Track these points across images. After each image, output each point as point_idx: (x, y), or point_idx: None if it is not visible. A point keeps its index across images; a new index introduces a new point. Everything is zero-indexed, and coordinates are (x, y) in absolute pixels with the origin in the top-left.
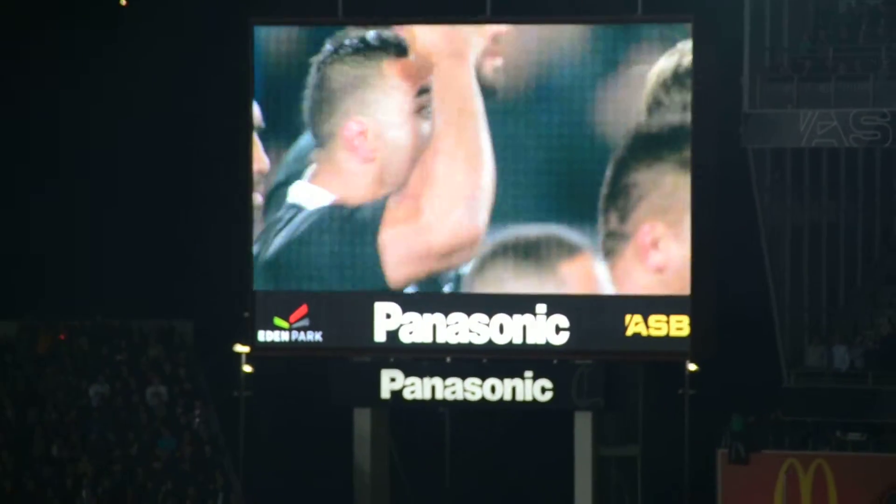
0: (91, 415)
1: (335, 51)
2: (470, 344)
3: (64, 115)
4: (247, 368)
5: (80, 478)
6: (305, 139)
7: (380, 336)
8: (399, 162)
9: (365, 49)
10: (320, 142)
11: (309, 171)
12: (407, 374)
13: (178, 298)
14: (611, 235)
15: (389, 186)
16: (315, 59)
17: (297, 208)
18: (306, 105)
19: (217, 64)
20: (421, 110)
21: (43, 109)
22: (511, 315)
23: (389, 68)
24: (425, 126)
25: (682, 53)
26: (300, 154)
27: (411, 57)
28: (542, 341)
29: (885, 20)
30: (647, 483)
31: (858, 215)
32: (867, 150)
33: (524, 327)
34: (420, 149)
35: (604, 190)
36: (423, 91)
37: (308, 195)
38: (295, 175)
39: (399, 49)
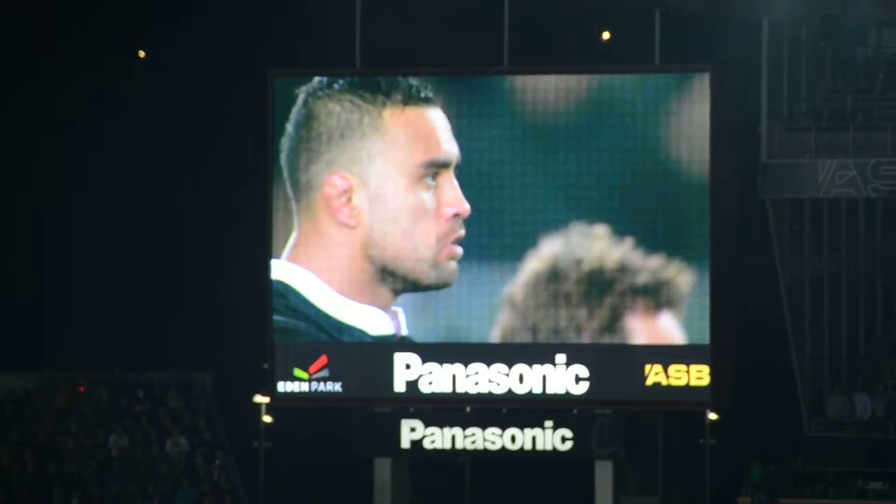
0: (111, 467)
1: (328, 83)
2: (490, 394)
3: (82, 168)
4: (267, 419)
5: None
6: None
7: (399, 386)
8: (387, 234)
9: (364, 89)
10: (297, 194)
11: (288, 245)
12: (427, 424)
13: (198, 350)
14: None
15: (377, 262)
16: (303, 90)
17: (286, 287)
18: (285, 145)
19: (236, 111)
20: (422, 179)
21: (65, 166)
22: (531, 365)
23: (392, 119)
24: (427, 197)
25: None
26: None
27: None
28: (561, 391)
29: None
30: None
31: (877, 266)
32: (886, 200)
33: (544, 377)
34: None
35: None
36: (435, 164)
37: (291, 275)
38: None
39: (409, 96)
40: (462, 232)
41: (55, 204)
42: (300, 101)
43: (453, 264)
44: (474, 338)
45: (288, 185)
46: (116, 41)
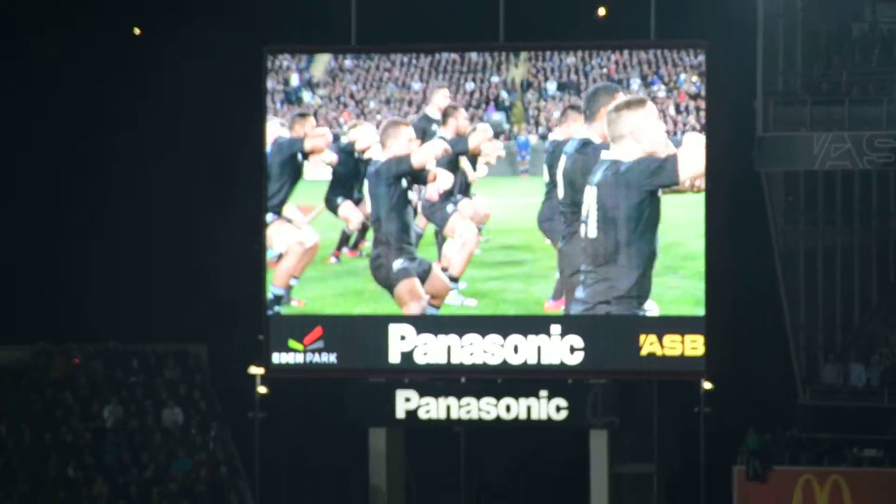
0: (106, 437)
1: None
2: (485, 364)
3: (76, 145)
4: (262, 390)
5: (95, 499)
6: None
7: (394, 357)
8: None
9: None
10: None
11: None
12: (422, 395)
13: (193, 322)
14: None
15: None
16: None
17: None
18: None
19: (232, 89)
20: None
21: (57, 134)
22: (525, 336)
23: None
24: None
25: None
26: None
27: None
28: (556, 361)
29: None
30: (663, 501)
31: (873, 237)
32: (881, 173)
33: (539, 348)
34: None
35: None
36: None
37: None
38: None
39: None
40: None
41: (50, 178)
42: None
43: None
44: None
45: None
46: (113, 19)
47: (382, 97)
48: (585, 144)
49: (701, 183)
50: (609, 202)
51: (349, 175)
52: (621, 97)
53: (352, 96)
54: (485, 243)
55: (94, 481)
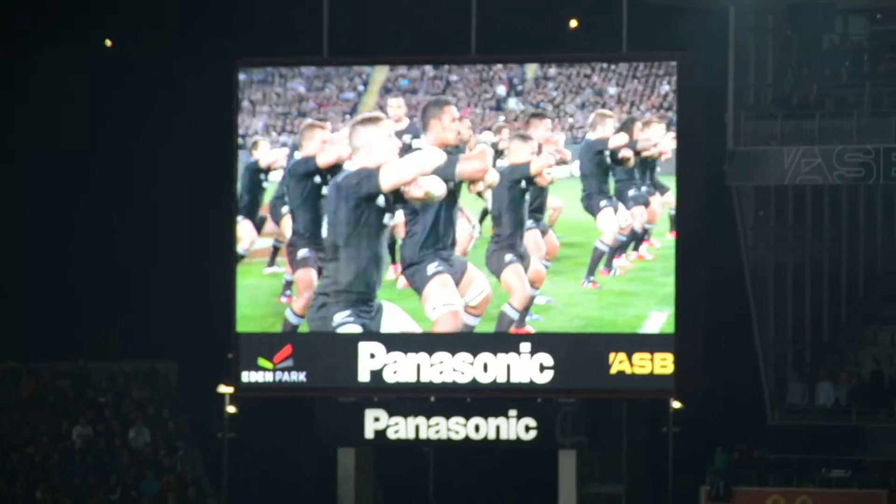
0: (74, 458)
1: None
2: (454, 383)
3: (49, 161)
4: (230, 409)
5: None
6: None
7: (364, 376)
8: None
9: None
10: None
11: None
12: (391, 414)
13: (162, 341)
14: None
15: None
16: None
17: None
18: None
19: (203, 105)
20: None
21: (32, 158)
22: (495, 354)
23: None
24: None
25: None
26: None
27: None
28: (526, 380)
29: (869, 57)
30: None
31: (842, 253)
32: (851, 188)
33: (508, 366)
34: None
35: None
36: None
37: None
38: None
39: None
40: None
41: (20, 196)
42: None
43: None
44: None
45: None
46: (83, 30)
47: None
48: None
49: (477, 187)
50: (331, 206)
51: None
52: (452, 111)
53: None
54: None
55: (62, 503)
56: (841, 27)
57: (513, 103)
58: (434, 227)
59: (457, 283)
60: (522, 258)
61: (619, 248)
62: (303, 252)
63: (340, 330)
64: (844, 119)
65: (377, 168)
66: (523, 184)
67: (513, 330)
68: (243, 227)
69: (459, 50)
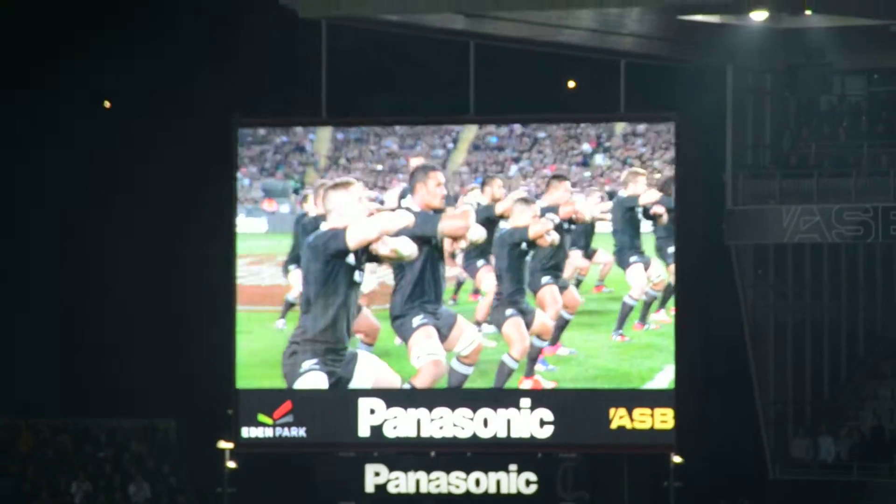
0: None
1: None
2: (454, 438)
3: (48, 220)
4: (230, 465)
5: None
6: None
7: (364, 431)
8: None
9: None
10: None
11: None
12: (391, 469)
13: (162, 396)
14: None
15: None
16: None
17: None
18: None
19: (203, 163)
20: None
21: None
22: (495, 409)
23: None
24: None
25: None
26: None
27: None
28: (526, 435)
29: (867, 116)
30: None
31: (842, 311)
32: (850, 246)
33: (508, 421)
34: None
35: None
36: None
37: None
38: None
39: None
40: None
41: (16, 247)
42: None
43: None
44: None
45: None
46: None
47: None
48: None
49: (458, 245)
50: (304, 263)
51: None
52: (438, 177)
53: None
54: None
55: None
56: (839, 87)
57: (599, 159)
58: (420, 282)
59: (446, 335)
60: (524, 313)
61: (652, 303)
62: None
63: (305, 376)
64: (843, 178)
65: (344, 228)
66: (524, 245)
67: (522, 378)
68: (293, 275)
69: (461, 111)
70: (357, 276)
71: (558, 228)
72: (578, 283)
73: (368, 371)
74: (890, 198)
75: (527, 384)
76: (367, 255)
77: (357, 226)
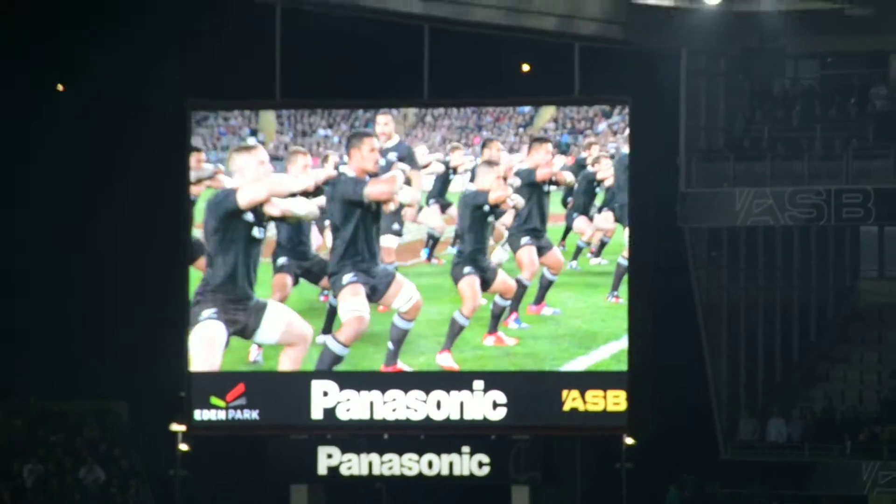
0: (25, 496)
1: None
2: (407, 420)
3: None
4: (183, 447)
5: None
6: None
7: (317, 414)
8: None
9: None
10: None
11: None
12: (344, 451)
13: (114, 379)
14: None
15: None
16: None
17: None
18: None
19: (155, 145)
20: None
21: None
22: (448, 391)
23: None
24: None
25: None
26: None
27: None
28: (479, 417)
29: (820, 100)
30: None
31: (794, 293)
32: (802, 229)
33: (461, 403)
34: None
35: None
36: None
37: None
38: None
39: None
40: None
41: None
42: None
43: None
44: None
45: None
46: (36, 75)
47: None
48: None
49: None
50: (203, 219)
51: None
52: (372, 143)
53: None
54: None
55: None
56: (792, 71)
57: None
58: (353, 242)
59: (383, 291)
60: (484, 271)
61: None
62: (282, 260)
63: (202, 324)
64: (796, 161)
65: (236, 189)
66: (486, 208)
67: (485, 335)
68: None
69: (414, 95)
70: (256, 232)
71: (537, 190)
72: (603, 246)
73: (277, 321)
74: (842, 181)
75: (489, 340)
76: (262, 214)
77: (247, 187)
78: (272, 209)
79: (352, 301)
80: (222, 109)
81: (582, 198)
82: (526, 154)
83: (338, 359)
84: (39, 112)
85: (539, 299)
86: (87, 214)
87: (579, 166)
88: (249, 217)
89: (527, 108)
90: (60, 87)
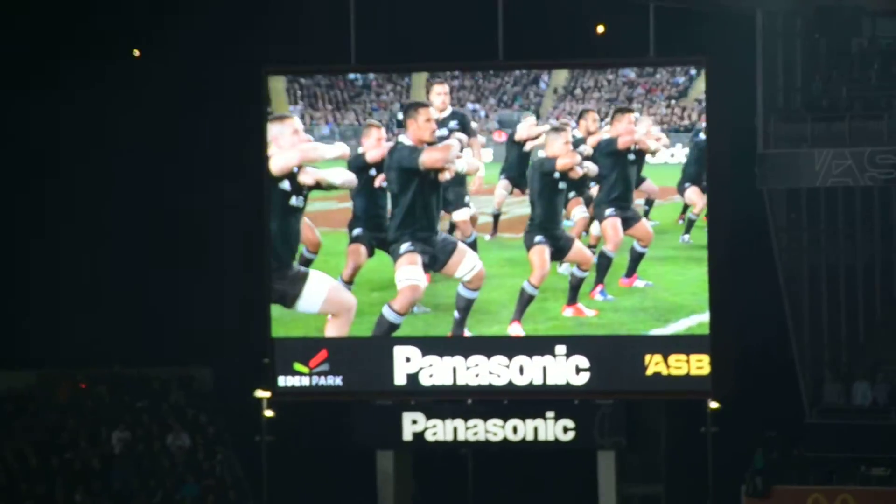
0: (113, 462)
1: None
2: (490, 385)
3: (74, 164)
4: (268, 413)
5: None
6: None
7: (400, 379)
8: None
9: None
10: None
11: None
12: (429, 417)
13: (198, 345)
14: None
15: None
16: None
17: None
18: None
19: (234, 112)
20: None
21: (56, 163)
22: (531, 356)
23: None
24: None
25: None
26: None
27: None
28: (562, 382)
29: None
30: None
31: (875, 254)
32: (883, 189)
33: (544, 368)
34: None
35: None
36: None
37: None
38: None
39: None
40: None
41: (48, 200)
42: None
43: None
44: None
45: None
46: (110, 40)
47: None
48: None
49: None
50: None
51: None
52: (428, 112)
53: None
54: None
55: None
56: (870, 30)
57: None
58: (410, 211)
59: (445, 261)
60: (556, 240)
61: None
62: (357, 230)
63: None
64: (874, 121)
65: (270, 157)
66: (556, 175)
67: (564, 306)
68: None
69: (487, 56)
70: (294, 200)
71: (620, 160)
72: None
73: (319, 290)
74: None
75: (568, 312)
76: (298, 183)
77: (278, 155)
78: (306, 178)
79: (407, 269)
80: (297, 73)
81: (694, 167)
82: (610, 124)
83: (393, 327)
84: (119, 73)
85: (630, 272)
86: (167, 182)
87: (694, 134)
88: (286, 185)
89: (681, 80)
90: (136, 53)
